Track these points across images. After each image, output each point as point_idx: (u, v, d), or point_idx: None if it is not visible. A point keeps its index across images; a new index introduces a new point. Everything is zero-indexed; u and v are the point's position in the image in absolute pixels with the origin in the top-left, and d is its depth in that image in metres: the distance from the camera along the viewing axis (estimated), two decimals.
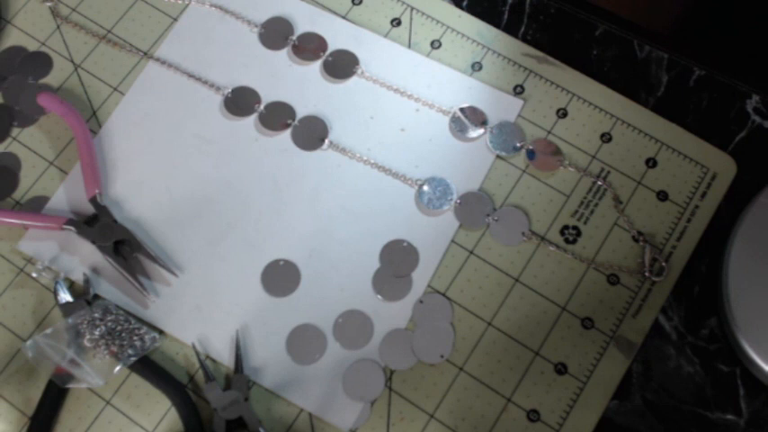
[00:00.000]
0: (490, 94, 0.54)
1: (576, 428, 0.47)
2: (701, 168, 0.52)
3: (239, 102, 0.54)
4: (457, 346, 0.48)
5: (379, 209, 0.52)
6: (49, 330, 0.47)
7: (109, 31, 0.57)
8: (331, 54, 0.55)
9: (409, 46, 0.56)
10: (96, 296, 0.49)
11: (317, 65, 0.55)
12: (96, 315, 0.47)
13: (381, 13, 0.57)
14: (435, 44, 0.56)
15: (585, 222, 0.51)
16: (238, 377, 0.47)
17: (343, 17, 0.57)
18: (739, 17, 0.60)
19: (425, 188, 0.52)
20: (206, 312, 0.49)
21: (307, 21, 0.56)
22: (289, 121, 0.54)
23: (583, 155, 0.53)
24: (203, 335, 0.49)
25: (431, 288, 0.50)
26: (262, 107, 0.54)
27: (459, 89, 0.54)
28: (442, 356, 0.48)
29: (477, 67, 0.55)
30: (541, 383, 0.48)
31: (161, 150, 0.53)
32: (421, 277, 0.50)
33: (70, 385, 0.46)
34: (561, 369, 0.48)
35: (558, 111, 0.54)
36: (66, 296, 0.48)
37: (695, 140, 0.53)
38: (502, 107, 0.54)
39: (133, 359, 0.47)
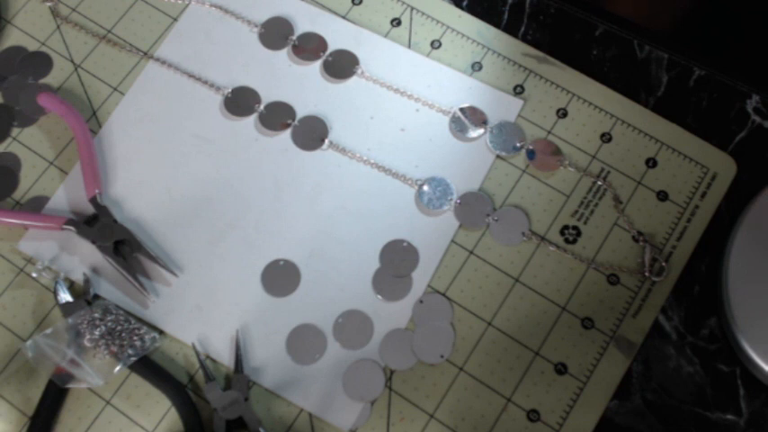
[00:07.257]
0: (490, 94, 0.54)
1: (576, 428, 0.47)
2: (700, 168, 0.52)
3: (239, 102, 0.54)
4: (457, 346, 0.48)
5: (379, 209, 0.52)
6: (49, 330, 0.47)
7: (109, 31, 0.57)
8: (331, 54, 0.55)
9: (409, 46, 0.56)
10: (96, 296, 0.49)
11: (317, 65, 0.55)
12: (96, 315, 0.47)
13: (381, 13, 0.57)
14: (435, 44, 0.56)
15: (585, 222, 0.51)
16: (238, 377, 0.47)
17: (343, 17, 0.57)
18: (739, 17, 0.60)
19: (425, 188, 0.52)
20: (206, 312, 0.49)
21: (307, 21, 0.56)
22: (289, 121, 0.54)
23: (583, 155, 0.53)
24: (203, 335, 0.49)
25: (431, 288, 0.50)
26: (262, 107, 0.54)
27: (460, 89, 0.54)
28: (442, 356, 0.48)
29: (477, 67, 0.55)
30: (541, 383, 0.48)
31: (161, 150, 0.53)
32: (421, 277, 0.50)
33: (70, 385, 0.47)
34: (561, 369, 0.48)
35: (558, 111, 0.54)
36: (66, 296, 0.48)
37: (695, 140, 0.53)
38: (502, 107, 0.54)
39: (133, 359, 0.47)
